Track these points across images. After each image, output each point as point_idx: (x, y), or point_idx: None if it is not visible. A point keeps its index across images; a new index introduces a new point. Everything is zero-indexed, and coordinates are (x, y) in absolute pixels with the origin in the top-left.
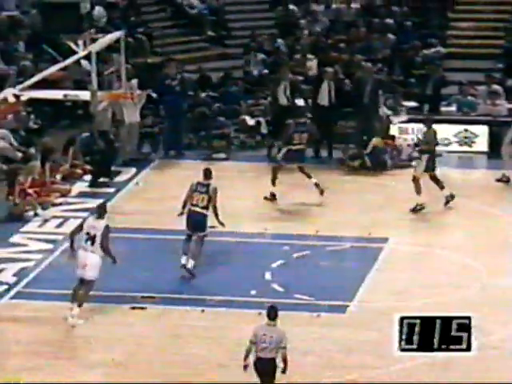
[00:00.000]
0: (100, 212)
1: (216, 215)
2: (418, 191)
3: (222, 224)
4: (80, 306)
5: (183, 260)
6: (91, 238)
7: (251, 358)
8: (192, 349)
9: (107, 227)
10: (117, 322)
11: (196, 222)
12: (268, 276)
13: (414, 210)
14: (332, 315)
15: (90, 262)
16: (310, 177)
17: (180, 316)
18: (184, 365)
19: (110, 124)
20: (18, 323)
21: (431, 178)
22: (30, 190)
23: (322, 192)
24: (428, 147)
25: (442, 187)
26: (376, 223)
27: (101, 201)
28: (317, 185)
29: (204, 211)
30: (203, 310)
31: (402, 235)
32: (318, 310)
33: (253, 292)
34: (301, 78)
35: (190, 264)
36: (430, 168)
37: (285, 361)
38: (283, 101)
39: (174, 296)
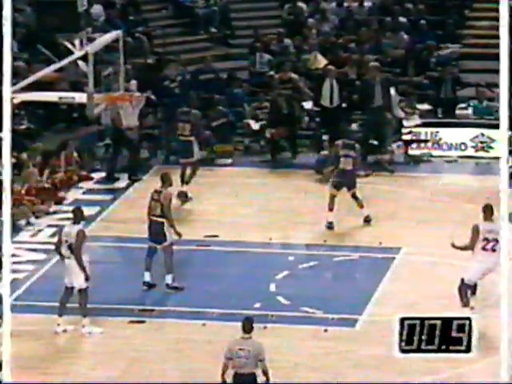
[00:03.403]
0: (75, 217)
1: (171, 225)
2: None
3: (179, 235)
4: (85, 316)
5: (146, 277)
6: (69, 246)
7: (229, 375)
8: (193, 364)
9: (80, 233)
10: (113, 336)
11: (154, 232)
12: (273, 288)
13: (329, 228)
14: (340, 329)
15: (74, 270)
16: (187, 181)
17: (180, 330)
18: (184, 380)
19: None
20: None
21: (351, 196)
22: (25, 198)
23: (183, 202)
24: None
25: (361, 206)
26: (387, 232)
27: (96, 208)
28: (180, 193)
29: (160, 219)
30: (204, 324)
31: (415, 245)
32: (326, 324)
33: (257, 305)
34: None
35: (169, 280)
36: (345, 185)
37: (265, 373)
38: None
39: (173, 309)
